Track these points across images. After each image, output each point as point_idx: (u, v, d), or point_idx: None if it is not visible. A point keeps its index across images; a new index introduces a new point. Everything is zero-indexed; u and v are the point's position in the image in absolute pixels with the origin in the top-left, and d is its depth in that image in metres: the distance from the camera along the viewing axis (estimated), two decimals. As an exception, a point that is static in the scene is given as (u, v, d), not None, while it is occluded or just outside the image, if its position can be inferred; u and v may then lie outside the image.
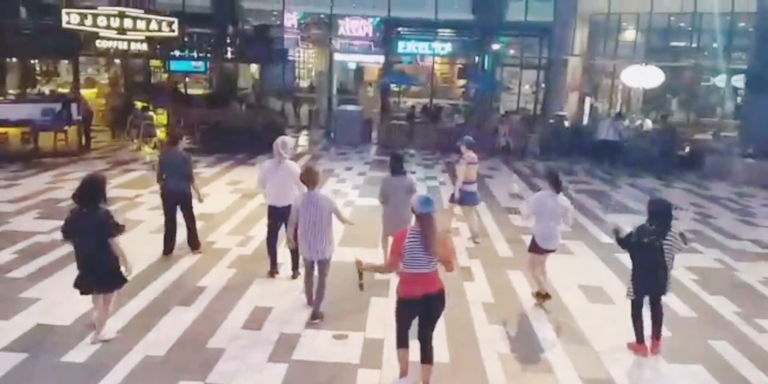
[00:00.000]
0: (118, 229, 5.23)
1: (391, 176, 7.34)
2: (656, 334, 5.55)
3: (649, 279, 5.46)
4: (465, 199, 8.86)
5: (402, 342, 4.68)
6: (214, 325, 5.76)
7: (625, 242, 5.56)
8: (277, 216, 6.87)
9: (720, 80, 19.95)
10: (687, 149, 16.56)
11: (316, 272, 6.11)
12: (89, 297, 5.47)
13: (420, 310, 4.59)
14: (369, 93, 24.80)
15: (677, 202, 12.27)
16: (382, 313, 6.12)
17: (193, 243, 7.83)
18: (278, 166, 6.88)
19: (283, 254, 7.13)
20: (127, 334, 5.50)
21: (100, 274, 5.25)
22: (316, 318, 5.92)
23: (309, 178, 5.92)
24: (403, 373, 4.73)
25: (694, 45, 19.68)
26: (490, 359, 5.32)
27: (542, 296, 6.56)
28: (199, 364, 5.03)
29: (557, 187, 6.38)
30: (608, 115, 20.59)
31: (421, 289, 4.51)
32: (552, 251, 6.62)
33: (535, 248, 6.58)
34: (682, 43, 20.87)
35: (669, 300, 6.82)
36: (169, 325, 5.73)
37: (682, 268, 7.98)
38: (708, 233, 9.91)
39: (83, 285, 5.31)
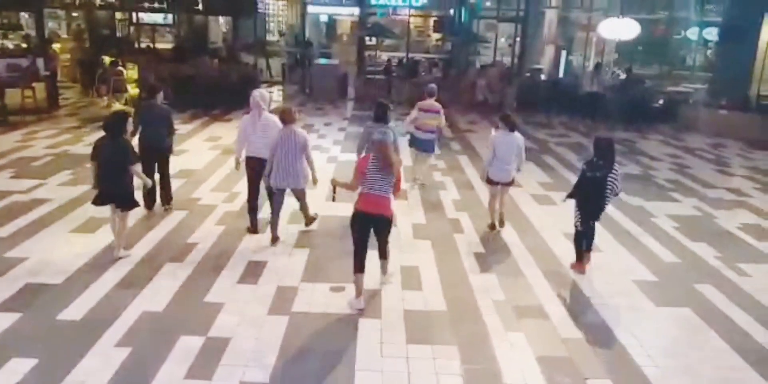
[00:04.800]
0: (136, 157, 6.06)
1: (373, 123, 7.46)
2: (588, 247, 6.27)
3: (593, 209, 6.07)
4: (414, 143, 9.12)
5: (358, 267, 5.31)
6: (210, 281, 5.73)
7: (576, 187, 6.26)
8: (259, 169, 6.69)
9: (692, 33, 20.07)
10: (660, 101, 16.78)
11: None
12: (84, 251, 5.83)
13: (372, 226, 5.29)
14: (343, 46, 24.27)
15: (654, 153, 12.52)
16: (377, 266, 6.16)
17: (166, 198, 7.64)
18: (258, 119, 6.77)
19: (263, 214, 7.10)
20: (121, 291, 5.44)
21: (117, 194, 6.01)
22: (310, 221, 7.04)
23: (285, 116, 6.45)
24: (358, 295, 5.31)
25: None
26: (486, 307, 5.42)
27: (492, 227, 7.36)
28: (198, 319, 5.01)
29: (511, 125, 7.10)
30: (584, 67, 20.65)
31: (374, 208, 5.19)
32: (503, 184, 7.25)
33: (487, 180, 7.32)
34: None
35: (653, 246, 7.09)
36: (164, 282, 5.68)
37: (663, 216, 8.23)
38: (686, 182, 10.16)
39: (99, 199, 6.06)
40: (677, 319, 5.39)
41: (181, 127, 12.59)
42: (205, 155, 10.53)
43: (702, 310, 5.54)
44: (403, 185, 6.48)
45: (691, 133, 14.73)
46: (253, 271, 5.98)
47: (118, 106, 14.73)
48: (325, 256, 6.43)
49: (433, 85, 9.27)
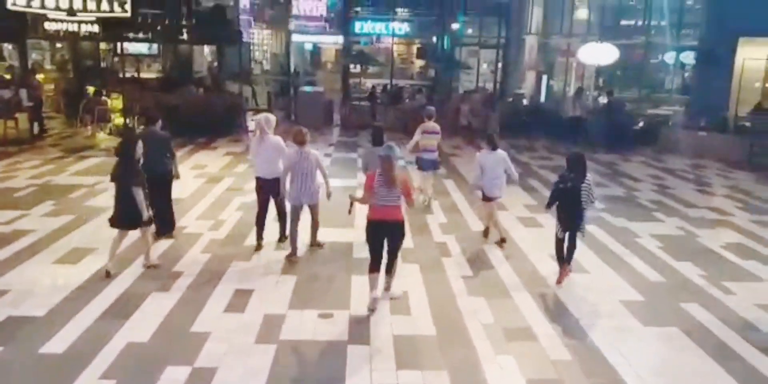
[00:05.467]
0: (136, 180, 6.29)
1: (372, 147, 8.01)
2: (568, 260, 6.55)
3: (570, 218, 6.43)
4: (422, 165, 9.65)
5: (373, 268, 5.77)
6: (196, 310, 5.66)
7: (551, 197, 6.59)
8: (266, 188, 7.24)
9: (669, 57, 20.54)
10: (641, 124, 17.07)
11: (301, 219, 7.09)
12: (67, 282, 6.10)
13: (384, 233, 5.70)
14: (327, 74, 24.56)
15: (636, 174, 12.69)
16: (365, 291, 6.15)
17: (169, 225, 7.71)
18: (261, 141, 7.17)
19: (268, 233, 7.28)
20: (106, 322, 5.36)
21: (126, 213, 6.34)
22: (315, 245, 7.32)
23: (298, 138, 6.90)
24: (373, 289, 5.76)
25: (645, 23, 20.15)
26: (475, 330, 5.40)
27: (503, 241, 7.79)
28: (184, 349, 4.94)
29: (493, 144, 7.69)
30: (563, 92, 21.02)
31: (384, 216, 5.64)
32: (497, 198, 7.79)
33: (483, 197, 7.82)
34: (632, 22, 21.36)
35: (638, 266, 7.14)
36: (149, 311, 5.60)
37: (647, 236, 8.31)
38: (668, 203, 10.28)
39: (113, 221, 6.48)
40: (665, 338, 5.40)
41: (166, 156, 12.59)
42: (190, 183, 10.47)
43: (689, 328, 5.56)
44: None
45: (671, 155, 14.97)
46: (240, 299, 5.92)
47: (102, 135, 14.73)
48: (313, 282, 6.40)
49: (431, 108, 9.88)
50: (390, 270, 5.90)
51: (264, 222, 7.37)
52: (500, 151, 7.74)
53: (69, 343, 4.98)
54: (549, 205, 6.65)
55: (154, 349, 4.96)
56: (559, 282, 6.47)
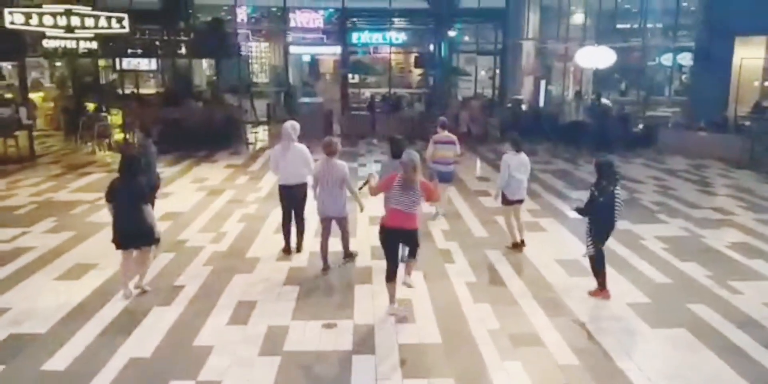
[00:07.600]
0: (146, 196, 6.24)
1: (391, 159, 7.19)
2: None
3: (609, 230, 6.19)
4: (436, 176, 8.90)
5: (389, 277, 5.69)
6: (198, 323, 5.61)
7: (587, 206, 6.23)
8: (289, 196, 7.30)
9: (666, 59, 20.55)
10: (640, 126, 17.05)
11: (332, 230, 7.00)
12: (68, 299, 6.04)
13: (399, 240, 5.72)
14: (327, 85, 24.62)
15: (636, 176, 12.64)
16: (369, 300, 6.11)
17: None
18: (288, 148, 7.17)
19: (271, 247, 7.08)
20: (108, 337, 5.31)
21: (141, 234, 6.18)
22: (348, 257, 7.15)
23: (329, 148, 6.76)
24: (392, 301, 5.73)
25: (641, 25, 20.19)
26: (482, 337, 5.34)
27: (515, 246, 7.65)
28: (188, 363, 4.89)
29: (517, 147, 7.54)
30: (562, 97, 21.02)
31: (398, 223, 5.54)
32: (520, 202, 7.68)
33: (505, 201, 7.64)
34: (628, 25, 21.41)
35: (644, 268, 7.08)
36: (151, 326, 5.55)
37: (652, 237, 8.25)
38: (671, 204, 10.22)
39: (123, 241, 6.22)
40: (674, 340, 5.33)
41: (166, 170, 12.60)
42: (191, 197, 10.48)
43: (697, 329, 5.49)
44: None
45: (672, 156, 14.93)
46: (243, 312, 5.87)
47: (102, 152, 14.75)
48: (316, 292, 6.35)
49: (444, 118, 9.42)
50: (413, 254, 5.72)
51: (290, 229, 7.43)
52: (524, 155, 7.62)
53: (71, 360, 4.93)
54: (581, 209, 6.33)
55: (157, 363, 4.90)
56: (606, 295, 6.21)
